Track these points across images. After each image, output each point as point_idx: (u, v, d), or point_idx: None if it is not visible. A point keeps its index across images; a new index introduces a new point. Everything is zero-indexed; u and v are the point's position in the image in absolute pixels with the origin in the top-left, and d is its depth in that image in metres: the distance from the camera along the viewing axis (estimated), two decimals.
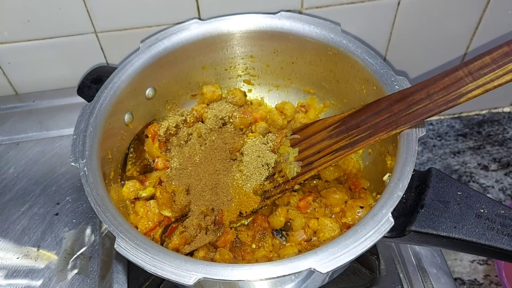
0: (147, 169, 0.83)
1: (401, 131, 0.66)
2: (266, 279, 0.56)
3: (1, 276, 0.79)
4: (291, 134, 0.81)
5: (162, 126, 0.84)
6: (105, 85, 0.76)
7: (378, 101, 0.69)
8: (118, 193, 0.76)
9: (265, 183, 0.77)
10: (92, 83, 0.79)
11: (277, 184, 0.77)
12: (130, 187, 0.76)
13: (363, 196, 0.77)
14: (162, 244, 0.72)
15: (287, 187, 0.76)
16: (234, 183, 0.77)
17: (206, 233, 0.73)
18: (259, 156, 0.79)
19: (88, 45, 0.94)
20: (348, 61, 0.79)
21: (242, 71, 0.92)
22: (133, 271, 0.78)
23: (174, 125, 0.85)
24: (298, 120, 0.88)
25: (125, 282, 0.77)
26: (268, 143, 0.81)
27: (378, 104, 0.69)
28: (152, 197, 0.77)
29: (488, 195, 0.98)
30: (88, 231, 0.84)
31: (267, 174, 0.78)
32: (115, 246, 0.59)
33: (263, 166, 0.78)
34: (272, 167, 0.78)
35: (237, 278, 0.56)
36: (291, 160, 0.77)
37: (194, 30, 0.82)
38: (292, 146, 0.79)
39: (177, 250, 0.71)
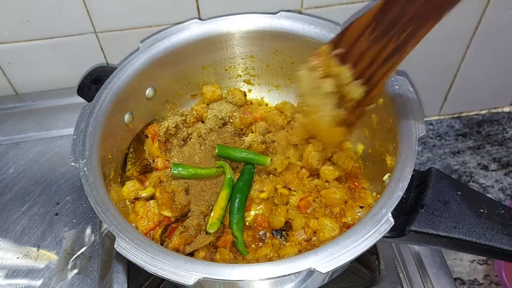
0: (147, 169, 0.82)
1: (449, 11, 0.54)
2: (266, 279, 0.56)
3: (1, 276, 0.79)
4: (334, 50, 0.68)
5: (162, 126, 0.84)
6: (105, 85, 0.76)
7: None
8: (118, 193, 0.76)
9: (340, 111, 0.68)
10: (92, 83, 0.79)
11: (352, 110, 0.68)
12: (130, 187, 0.76)
13: (363, 196, 0.77)
14: (162, 244, 0.72)
15: (362, 110, 0.68)
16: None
17: (206, 233, 0.73)
18: (314, 88, 0.69)
19: (88, 45, 0.94)
20: None
21: (242, 71, 0.92)
22: (133, 271, 0.78)
23: (174, 125, 0.85)
24: (298, 120, 0.88)
25: (125, 282, 0.77)
26: (314, 69, 0.69)
27: None
28: (152, 197, 0.77)
29: (488, 195, 0.98)
30: (88, 231, 0.84)
31: (335, 102, 0.68)
32: (115, 246, 0.59)
33: (324, 96, 0.68)
34: (336, 92, 0.68)
35: (237, 278, 0.56)
36: (348, 80, 0.66)
37: (194, 30, 0.82)
38: (341, 63, 0.67)
39: (177, 250, 0.71)
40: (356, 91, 0.65)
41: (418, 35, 0.57)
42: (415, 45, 0.59)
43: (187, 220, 0.74)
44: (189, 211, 0.76)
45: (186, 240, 0.72)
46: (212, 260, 0.72)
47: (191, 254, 0.72)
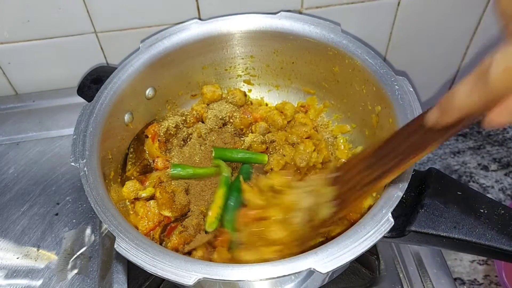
0: (147, 169, 0.82)
1: (432, 149, 0.57)
2: (266, 279, 0.56)
3: (1, 276, 0.79)
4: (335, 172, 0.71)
5: (162, 126, 0.84)
6: (105, 85, 0.76)
7: (412, 122, 0.61)
8: (118, 193, 0.76)
9: (304, 227, 0.68)
10: (92, 83, 0.79)
11: (313, 228, 0.68)
12: (130, 187, 0.76)
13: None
14: (161, 244, 0.72)
15: (321, 229, 0.69)
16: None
17: (205, 233, 0.73)
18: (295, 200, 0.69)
19: (88, 45, 0.94)
20: (348, 61, 0.79)
21: (242, 71, 0.92)
22: (133, 271, 0.78)
23: (174, 125, 0.85)
24: (298, 120, 0.88)
25: (125, 282, 0.77)
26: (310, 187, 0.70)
27: (410, 125, 0.60)
28: (152, 197, 0.77)
29: (488, 195, 0.98)
30: (88, 231, 0.84)
31: (306, 218, 0.68)
32: (115, 246, 0.59)
33: (297, 209, 0.69)
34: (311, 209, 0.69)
35: (237, 278, 0.56)
36: (327, 200, 0.67)
37: (194, 30, 0.82)
38: (333, 184, 0.69)
39: (176, 249, 0.71)
40: (326, 209, 0.66)
41: (401, 166, 0.59)
42: (397, 173, 0.60)
43: (186, 219, 0.74)
44: (188, 211, 0.76)
45: (186, 240, 0.72)
46: (210, 259, 0.72)
47: (189, 253, 0.72)
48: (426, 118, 0.54)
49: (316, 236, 0.70)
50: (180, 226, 0.74)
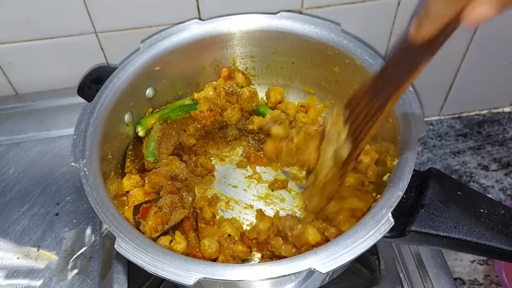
0: (145, 168, 0.82)
1: (422, 69, 0.57)
2: (266, 279, 0.56)
3: (1, 276, 0.79)
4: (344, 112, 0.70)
5: None
6: (105, 85, 0.76)
7: (396, 51, 0.61)
8: (118, 188, 0.75)
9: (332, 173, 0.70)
10: (92, 83, 0.79)
11: (338, 170, 0.70)
12: (130, 179, 0.77)
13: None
14: (137, 226, 0.71)
15: (345, 169, 0.69)
16: None
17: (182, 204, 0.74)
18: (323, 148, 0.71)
19: (88, 45, 0.94)
20: (348, 61, 0.79)
21: None
22: (133, 271, 0.78)
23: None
24: (299, 120, 0.88)
25: (125, 282, 0.77)
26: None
27: (396, 54, 0.61)
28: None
29: (488, 195, 0.98)
30: (88, 231, 0.84)
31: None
32: (115, 246, 0.59)
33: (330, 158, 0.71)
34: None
35: (237, 278, 0.56)
36: (342, 139, 0.68)
37: (194, 30, 0.82)
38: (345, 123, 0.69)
39: (155, 230, 0.71)
40: (344, 148, 0.67)
41: (399, 91, 0.61)
42: (396, 100, 0.62)
43: (160, 200, 0.74)
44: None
45: (162, 220, 0.72)
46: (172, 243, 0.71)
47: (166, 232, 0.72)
48: (409, 36, 0.55)
49: (342, 177, 0.71)
50: (155, 206, 0.73)
